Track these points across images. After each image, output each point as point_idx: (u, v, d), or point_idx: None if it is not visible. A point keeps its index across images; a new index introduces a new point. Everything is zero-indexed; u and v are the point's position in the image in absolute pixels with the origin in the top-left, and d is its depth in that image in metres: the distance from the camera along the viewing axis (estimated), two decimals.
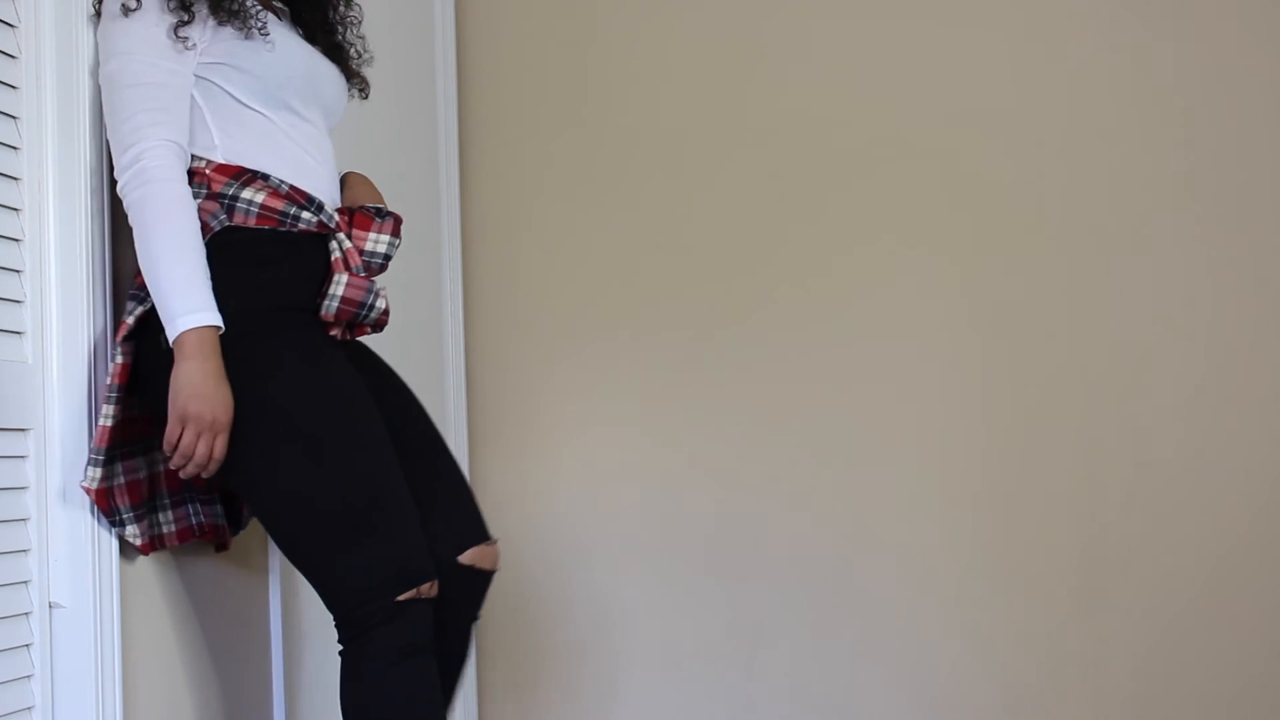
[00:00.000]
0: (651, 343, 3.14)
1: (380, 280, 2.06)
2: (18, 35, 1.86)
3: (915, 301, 3.04)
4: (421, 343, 3.00)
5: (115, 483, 1.93)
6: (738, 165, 3.13)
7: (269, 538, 2.30)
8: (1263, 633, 2.89)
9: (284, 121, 2.00)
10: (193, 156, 1.95)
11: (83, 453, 1.89)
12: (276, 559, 2.37)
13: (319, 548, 1.92)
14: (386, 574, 1.91)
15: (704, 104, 3.15)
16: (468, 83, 3.25)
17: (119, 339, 1.89)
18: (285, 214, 1.95)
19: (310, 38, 2.14)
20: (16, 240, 1.86)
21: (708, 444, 3.11)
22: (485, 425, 3.21)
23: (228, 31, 1.95)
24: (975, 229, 3.03)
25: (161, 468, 2.01)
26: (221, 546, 2.14)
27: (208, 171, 1.94)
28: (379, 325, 2.08)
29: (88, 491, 1.88)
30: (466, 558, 2.07)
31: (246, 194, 1.94)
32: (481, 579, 2.11)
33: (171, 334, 1.83)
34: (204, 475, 1.88)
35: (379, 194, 2.16)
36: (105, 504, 1.91)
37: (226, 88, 1.96)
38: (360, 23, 2.24)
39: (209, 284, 1.86)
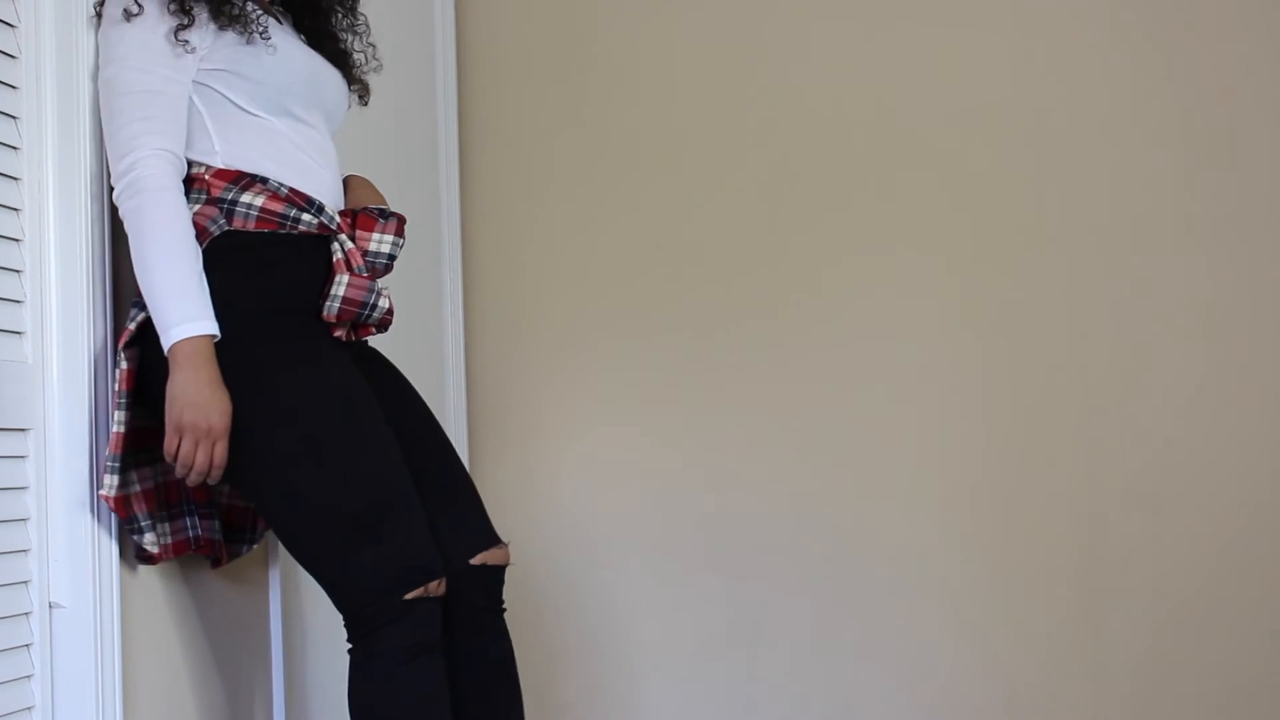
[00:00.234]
0: (652, 343, 3.14)
1: (382, 280, 2.06)
2: (18, 35, 1.86)
3: (915, 301, 3.04)
4: (421, 343, 3.00)
5: (132, 490, 1.94)
6: (738, 164, 3.13)
7: (268, 538, 2.31)
8: (1262, 632, 2.89)
9: (285, 126, 2.00)
10: (192, 162, 1.95)
11: (83, 453, 1.89)
12: (277, 560, 2.37)
13: (325, 547, 1.92)
14: (393, 572, 1.91)
15: (704, 104, 3.15)
16: (468, 83, 3.25)
17: (121, 345, 1.90)
18: (285, 216, 1.95)
19: (315, 43, 2.14)
20: (16, 240, 1.86)
21: (708, 444, 3.11)
22: (485, 425, 3.21)
23: (229, 37, 1.95)
24: (975, 229, 3.03)
25: (163, 478, 2.01)
26: (216, 562, 2.13)
27: (207, 177, 1.95)
28: (383, 325, 2.08)
29: (106, 499, 1.89)
30: (476, 560, 2.07)
31: (246, 198, 1.94)
32: (494, 574, 2.10)
33: (166, 344, 1.84)
34: (209, 481, 1.89)
35: (382, 197, 2.16)
36: (124, 511, 1.92)
37: (227, 94, 1.96)
38: (368, 32, 2.24)
39: (205, 292, 1.86)
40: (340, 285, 1.98)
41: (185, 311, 1.84)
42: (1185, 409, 2.94)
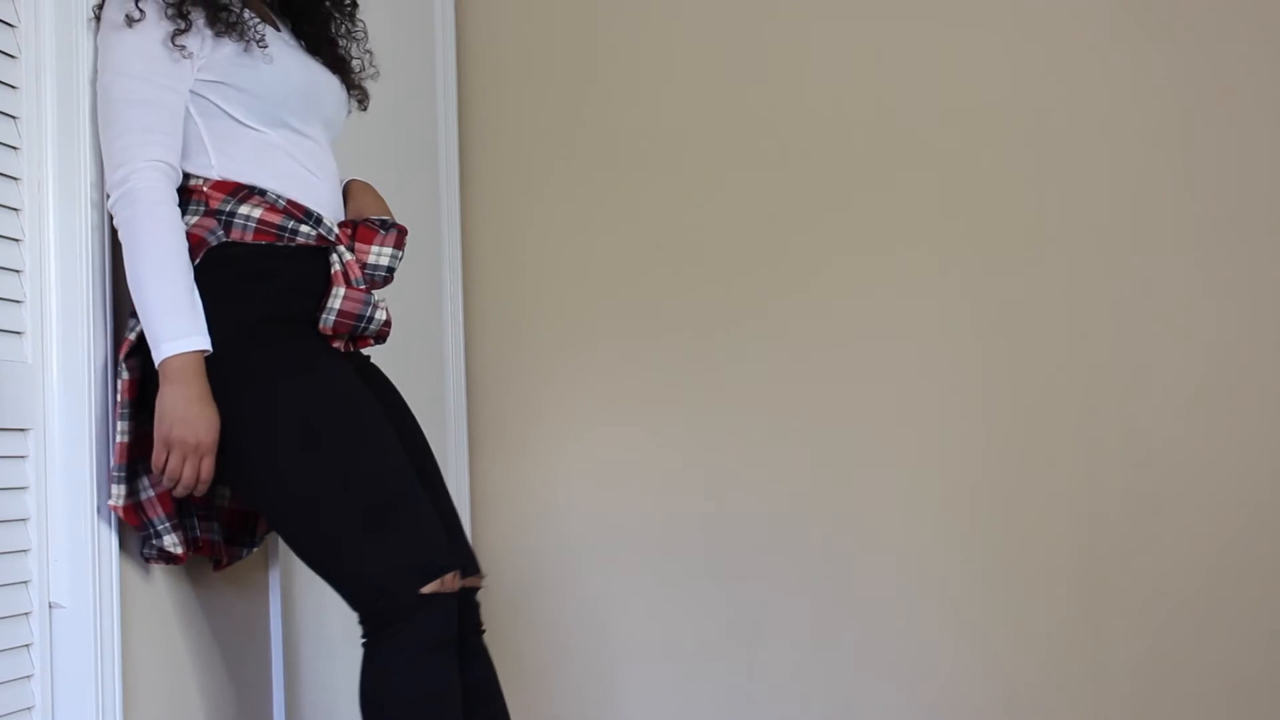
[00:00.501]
0: (652, 343, 3.14)
1: (381, 291, 2.06)
2: (18, 35, 1.86)
3: (915, 302, 3.04)
4: (422, 344, 3.00)
5: (143, 497, 1.95)
6: (738, 164, 3.13)
7: (268, 539, 2.31)
8: (1262, 632, 2.89)
9: (282, 138, 2.00)
10: (190, 175, 1.95)
11: (83, 453, 1.89)
12: (277, 560, 2.37)
13: (335, 546, 1.92)
14: (408, 566, 1.91)
15: (704, 103, 3.15)
16: (468, 83, 3.25)
17: (122, 356, 1.90)
18: (283, 228, 1.96)
19: (314, 50, 2.14)
20: (16, 240, 1.86)
21: (708, 443, 3.11)
22: (486, 427, 3.21)
23: (226, 46, 1.94)
24: (975, 229, 3.03)
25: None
26: (218, 564, 2.14)
27: (205, 189, 1.95)
28: (381, 337, 2.08)
29: (115, 509, 1.90)
30: (465, 583, 2.07)
31: (244, 210, 1.94)
32: (468, 594, 2.10)
33: (157, 358, 1.85)
34: (195, 494, 1.90)
35: (383, 202, 2.16)
36: (135, 519, 1.93)
37: (224, 107, 1.96)
38: (366, 39, 2.24)
39: (197, 307, 1.87)
40: (336, 299, 1.98)
41: (177, 327, 1.85)
42: (1185, 409, 2.94)
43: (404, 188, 2.84)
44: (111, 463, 1.91)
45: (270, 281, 1.95)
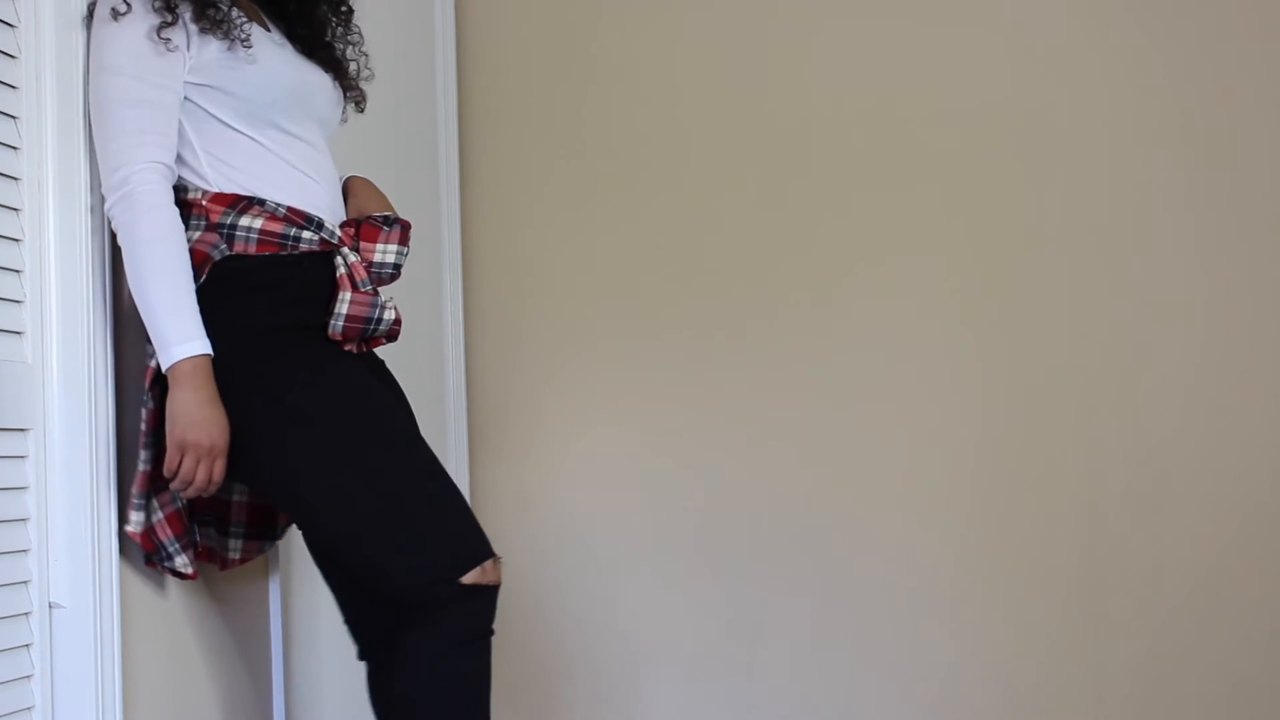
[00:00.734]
0: (652, 344, 3.14)
1: (386, 290, 2.05)
2: (18, 35, 1.86)
3: (915, 301, 3.04)
4: (422, 344, 3.00)
5: (154, 519, 1.96)
6: (738, 165, 3.13)
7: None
8: (1262, 632, 2.89)
9: (274, 142, 1.99)
10: (187, 188, 1.95)
11: (83, 453, 1.89)
12: (277, 561, 2.37)
13: (369, 542, 1.91)
14: (447, 556, 1.91)
15: (704, 104, 3.15)
16: (468, 83, 3.25)
17: (146, 385, 1.91)
18: (285, 236, 1.95)
19: (308, 51, 2.12)
20: (16, 240, 1.86)
21: (708, 444, 3.11)
22: (486, 427, 3.21)
23: (212, 45, 1.93)
24: (975, 229, 3.03)
25: (184, 502, 2.01)
26: (223, 563, 2.15)
27: (204, 202, 1.94)
28: (392, 336, 2.08)
29: (133, 536, 1.92)
30: None
31: (244, 221, 1.94)
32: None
33: (165, 362, 1.85)
34: (203, 495, 1.92)
35: (384, 197, 2.15)
36: (149, 544, 1.95)
37: (212, 111, 1.95)
38: (362, 42, 2.23)
39: (196, 310, 1.87)
40: (343, 303, 1.98)
41: (184, 330, 1.85)
42: (1185, 409, 2.94)
43: (404, 188, 2.83)
44: (133, 490, 1.92)
45: (277, 291, 1.95)
